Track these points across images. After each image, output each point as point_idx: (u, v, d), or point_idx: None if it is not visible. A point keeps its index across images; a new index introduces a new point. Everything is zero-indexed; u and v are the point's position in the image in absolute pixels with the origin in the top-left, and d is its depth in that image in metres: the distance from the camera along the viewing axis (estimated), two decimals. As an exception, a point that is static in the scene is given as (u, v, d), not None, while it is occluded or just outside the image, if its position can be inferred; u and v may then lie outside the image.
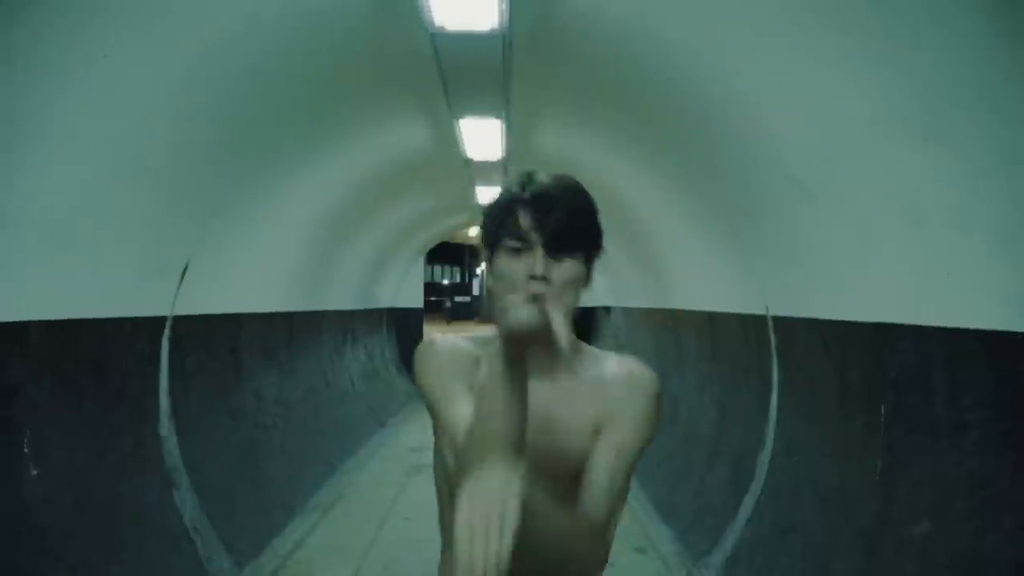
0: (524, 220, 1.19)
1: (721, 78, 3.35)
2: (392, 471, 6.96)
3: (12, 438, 2.96)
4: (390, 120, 5.29)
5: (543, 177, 1.23)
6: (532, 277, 1.17)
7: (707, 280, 5.44)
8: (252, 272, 5.41)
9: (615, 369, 1.28)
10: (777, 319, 4.15)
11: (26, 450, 3.02)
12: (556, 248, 1.19)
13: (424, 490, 6.12)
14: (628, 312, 10.03)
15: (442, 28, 3.36)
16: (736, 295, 4.74)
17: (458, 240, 15.46)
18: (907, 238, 2.63)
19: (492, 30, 3.38)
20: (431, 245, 14.01)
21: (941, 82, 2.24)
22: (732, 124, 3.50)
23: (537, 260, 1.18)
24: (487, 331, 1.26)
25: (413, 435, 8.56)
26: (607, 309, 11.93)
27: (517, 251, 1.20)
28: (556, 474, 1.18)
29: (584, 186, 1.25)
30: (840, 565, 3.17)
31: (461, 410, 1.15)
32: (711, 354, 5.69)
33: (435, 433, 1.27)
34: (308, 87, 4.19)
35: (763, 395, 4.37)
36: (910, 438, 2.88)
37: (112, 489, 3.54)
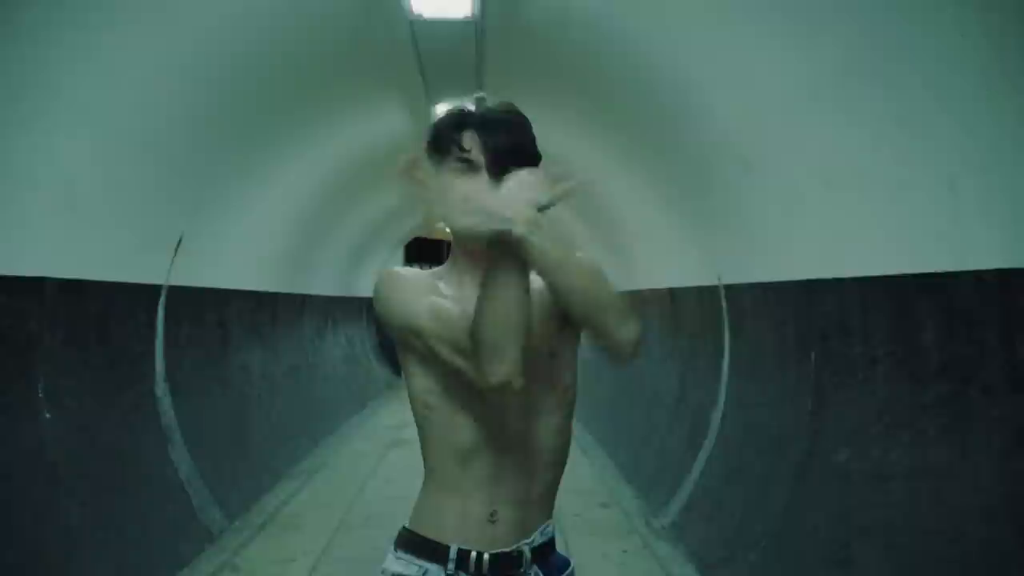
0: (470, 141, 1.30)
1: (673, 62, 3.72)
2: (373, 444, 7.28)
3: (30, 382, 3.26)
4: (370, 106, 5.62)
5: (489, 104, 1.38)
6: None
7: (668, 257, 5.82)
8: (240, 251, 5.71)
9: None
10: (728, 287, 4.52)
11: (40, 395, 3.32)
12: (499, 168, 1.27)
13: (404, 459, 6.45)
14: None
15: (420, 16, 3.70)
16: (693, 268, 5.11)
17: (437, 236, 15.74)
18: (824, 199, 3.02)
19: (466, 18, 3.73)
20: (409, 238, 14.31)
21: (852, 60, 2.62)
22: (683, 104, 3.87)
23: (481, 179, 1.29)
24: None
25: (393, 415, 8.88)
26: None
27: (462, 172, 1.31)
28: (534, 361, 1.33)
29: (524, 115, 1.36)
30: (775, 496, 3.55)
31: (437, 302, 1.29)
32: (672, 328, 6.06)
33: (404, 355, 1.37)
34: (295, 74, 4.51)
35: (716, 358, 4.75)
36: (834, 378, 3.27)
37: (115, 438, 3.84)
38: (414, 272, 1.38)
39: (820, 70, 2.76)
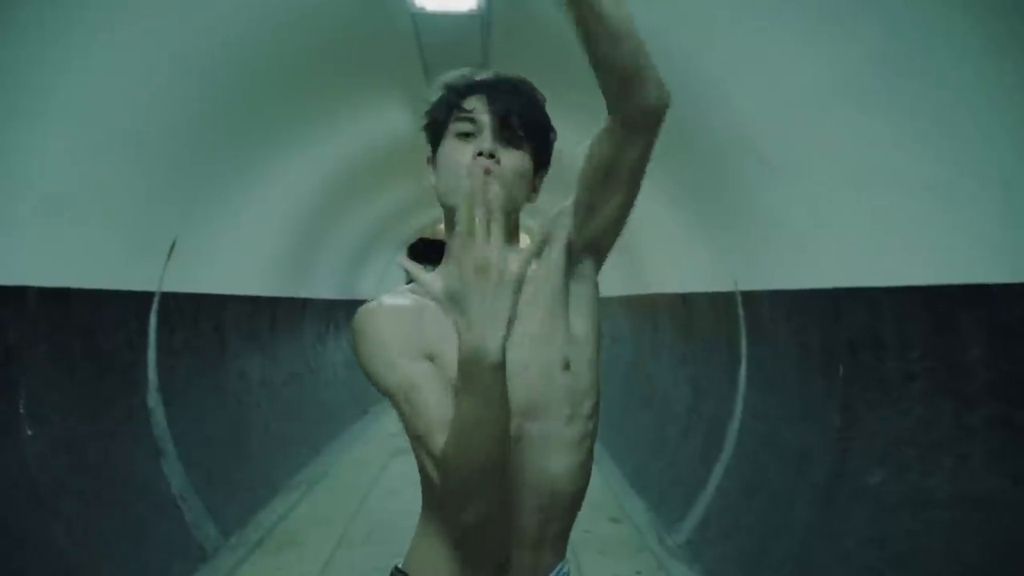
0: (476, 102, 1.18)
1: (690, 55, 3.50)
2: (375, 452, 7.09)
3: (9, 398, 3.07)
4: (371, 103, 5.43)
5: (495, 69, 1.24)
6: (479, 155, 1.14)
7: (681, 261, 5.61)
8: (237, 254, 5.52)
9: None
10: (745, 293, 4.32)
11: (22, 411, 3.13)
12: (506, 132, 1.17)
13: (407, 468, 6.23)
14: (605, 302, 10.18)
15: (422, 9, 3.51)
16: (707, 273, 4.90)
17: (440, 236, 15.62)
18: (854, 202, 2.81)
19: (471, 11, 3.53)
20: (413, 238, 14.12)
21: (886, 51, 2.41)
22: (700, 100, 3.65)
23: (486, 138, 1.16)
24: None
25: (395, 422, 8.63)
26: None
27: (466, 136, 1.18)
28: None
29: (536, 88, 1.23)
30: (798, 517, 3.35)
31: (413, 367, 1.11)
32: (685, 334, 5.87)
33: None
34: (292, 71, 4.32)
35: (733, 368, 4.54)
36: (865, 394, 3.06)
37: (104, 454, 3.66)
38: (396, 311, 1.17)
39: (848, 61, 2.55)
